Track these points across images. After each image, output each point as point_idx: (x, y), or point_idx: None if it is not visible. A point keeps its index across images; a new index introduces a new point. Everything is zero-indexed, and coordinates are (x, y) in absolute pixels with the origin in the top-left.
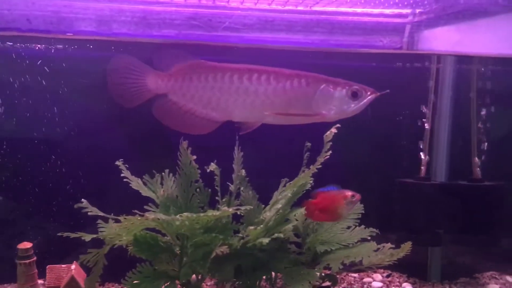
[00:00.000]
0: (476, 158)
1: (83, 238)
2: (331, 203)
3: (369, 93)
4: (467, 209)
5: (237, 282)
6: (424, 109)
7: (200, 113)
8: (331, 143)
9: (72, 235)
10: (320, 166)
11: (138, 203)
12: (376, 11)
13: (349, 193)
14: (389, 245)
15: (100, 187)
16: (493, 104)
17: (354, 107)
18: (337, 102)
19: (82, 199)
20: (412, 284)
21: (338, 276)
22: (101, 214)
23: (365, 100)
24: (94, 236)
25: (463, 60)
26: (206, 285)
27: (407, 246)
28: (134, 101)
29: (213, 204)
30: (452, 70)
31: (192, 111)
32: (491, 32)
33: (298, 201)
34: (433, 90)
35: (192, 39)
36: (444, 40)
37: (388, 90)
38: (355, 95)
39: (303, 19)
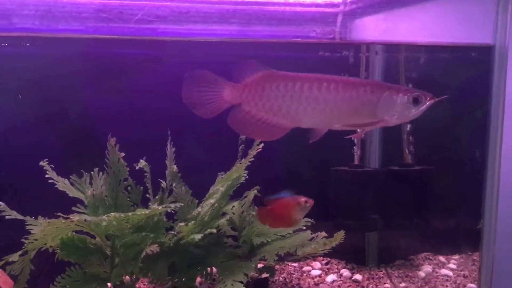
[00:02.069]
0: (407, 144)
1: (10, 259)
2: (285, 210)
3: (428, 98)
4: (399, 193)
5: (174, 280)
6: None
7: (271, 121)
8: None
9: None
10: (252, 159)
11: (71, 204)
12: (308, 0)
13: (302, 199)
14: (322, 234)
15: (29, 188)
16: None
17: (414, 112)
18: (400, 108)
19: (0, 202)
20: (350, 270)
21: (278, 266)
22: (21, 217)
23: (424, 106)
24: (20, 252)
25: (391, 48)
26: (144, 284)
27: (339, 236)
28: (212, 112)
29: (148, 202)
30: (382, 59)
31: (264, 119)
32: (411, 21)
33: (234, 194)
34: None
35: (102, 32)
36: (373, 29)
37: (446, 96)
38: (416, 101)
39: (219, 10)
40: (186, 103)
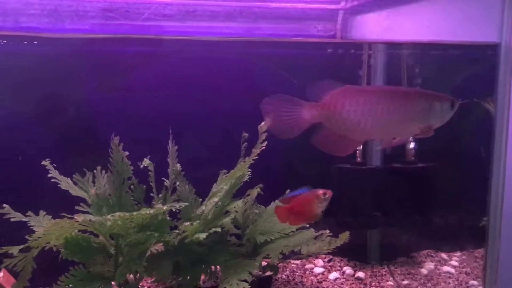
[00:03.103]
0: (409, 141)
1: (10, 251)
2: (304, 206)
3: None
4: (402, 191)
5: (178, 279)
6: None
7: (348, 136)
8: (266, 133)
9: None
10: (256, 157)
11: (70, 202)
12: None
13: (320, 191)
14: (327, 232)
15: (29, 187)
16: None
17: (450, 116)
18: (444, 113)
19: (4, 205)
20: (353, 267)
21: (280, 264)
22: (25, 219)
23: (456, 109)
24: (22, 247)
25: (393, 46)
26: (147, 282)
27: (345, 236)
28: (294, 133)
29: (149, 200)
30: (383, 56)
31: (343, 135)
32: (414, 19)
33: (237, 192)
34: (366, 76)
35: (109, 31)
36: (374, 26)
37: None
38: (453, 105)
39: (225, 9)
40: (269, 129)
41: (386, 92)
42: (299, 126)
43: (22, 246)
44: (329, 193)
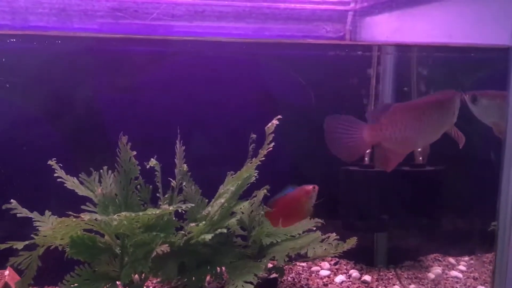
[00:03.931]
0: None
1: (14, 247)
2: (293, 205)
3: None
4: (410, 194)
5: (183, 280)
6: (365, 101)
7: (401, 151)
8: (273, 134)
9: (2, 246)
10: (263, 158)
11: (81, 202)
12: None
13: (306, 187)
14: (333, 235)
15: (38, 187)
16: (432, 91)
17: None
18: (457, 108)
19: (11, 200)
20: (359, 270)
21: (286, 266)
22: (31, 215)
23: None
24: (27, 242)
25: (402, 48)
26: (152, 283)
27: (352, 241)
28: (354, 155)
29: (156, 200)
30: (393, 58)
31: (397, 151)
32: (424, 21)
33: (244, 194)
34: (375, 78)
35: (118, 31)
36: (384, 28)
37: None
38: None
39: (235, 9)
40: (330, 149)
41: (426, 104)
42: (358, 149)
43: (27, 242)
44: (316, 187)
